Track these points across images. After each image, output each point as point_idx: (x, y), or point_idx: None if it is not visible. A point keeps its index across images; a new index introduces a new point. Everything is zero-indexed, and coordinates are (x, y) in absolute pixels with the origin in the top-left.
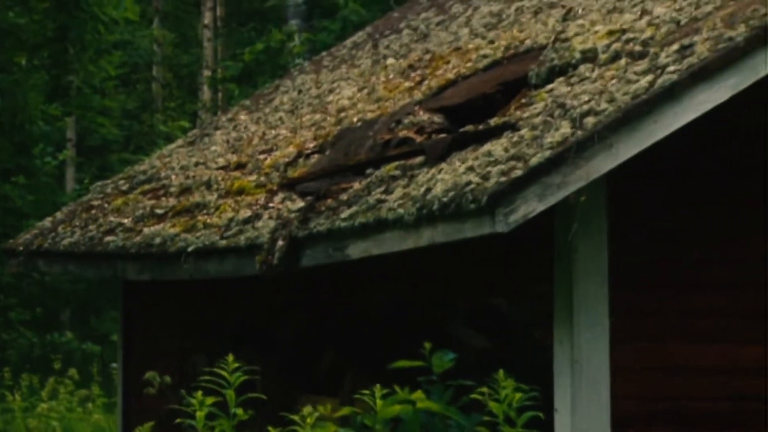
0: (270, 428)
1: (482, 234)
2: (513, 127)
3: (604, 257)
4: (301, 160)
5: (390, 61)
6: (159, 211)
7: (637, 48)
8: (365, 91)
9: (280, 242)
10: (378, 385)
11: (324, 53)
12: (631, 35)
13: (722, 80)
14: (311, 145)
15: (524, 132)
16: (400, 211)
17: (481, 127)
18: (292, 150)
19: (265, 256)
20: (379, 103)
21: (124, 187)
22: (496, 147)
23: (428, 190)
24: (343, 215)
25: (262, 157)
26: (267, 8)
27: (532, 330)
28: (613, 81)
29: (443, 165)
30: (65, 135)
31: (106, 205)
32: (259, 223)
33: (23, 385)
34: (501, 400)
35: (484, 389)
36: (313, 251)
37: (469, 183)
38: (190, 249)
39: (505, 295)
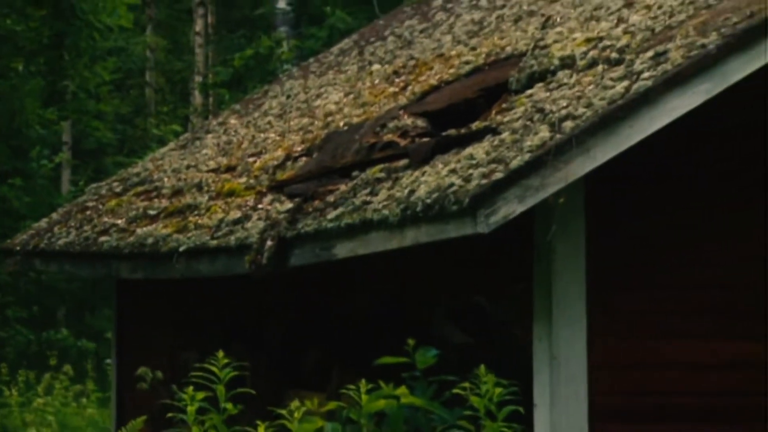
0: (259, 422)
1: (464, 234)
2: (494, 131)
3: (582, 257)
4: (289, 163)
5: (375, 67)
6: (152, 212)
7: (614, 55)
8: (351, 96)
9: (269, 242)
10: (363, 381)
11: (311, 59)
12: (607, 42)
13: (695, 86)
14: (299, 149)
15: (505, 136)
16: (385, 212)
17: (463, 131)
18: (280, 153)
19: (254, 255)
20: (364, 108)
21: (118, 189)
22: (478, 150)
23: (412, 191)
24: (330, 216)
25: (251, 160)
26: (256, 16)
27: (512, 327)
28: (591, 87)
29: (426, 168)
30: (61, 138)
31: (100, 207)
32: (249, 224)
33: (20, 381)
34: (482, 394)
35: (466, 384)
36: (301, 251)
37: (451, 185)
38: (181, 249)
39: (486, 294)
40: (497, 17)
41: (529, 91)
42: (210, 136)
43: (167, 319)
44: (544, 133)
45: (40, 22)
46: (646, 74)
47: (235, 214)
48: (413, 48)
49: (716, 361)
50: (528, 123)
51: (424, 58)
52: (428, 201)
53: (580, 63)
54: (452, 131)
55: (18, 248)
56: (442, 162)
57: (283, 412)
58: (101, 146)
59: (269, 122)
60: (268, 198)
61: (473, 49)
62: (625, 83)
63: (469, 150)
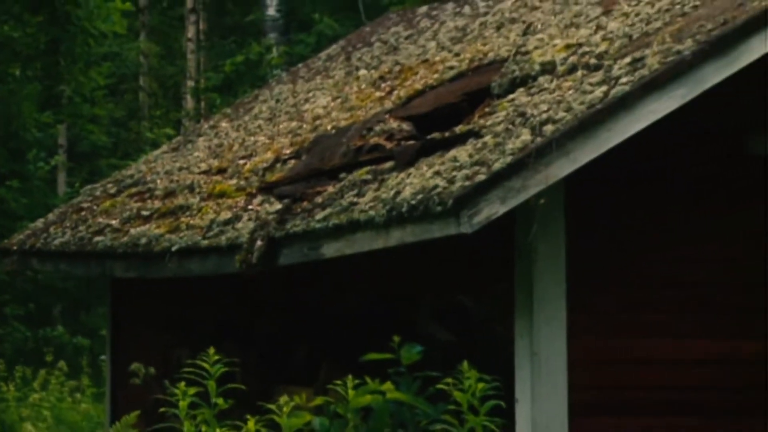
0: (249, 417)
1: (448, 234)
2: (477, 134)
3: (562, 257)
4: (278, 165)
5: (362, 72)
6: (145, 213)
7: (593, 61)
8: (339, 100)
9: (259, 242)
10: (350, 377)
11: (300, 65)
12: (586, 49)
13: (671, 91)
14: (288, 151)
15: (487, 139)
16: (371, 212)
17: (447, 134)
18: (270, 155)
19: (244, 255)
20: (351, 112)
21: (112, 191)
22: (461, 153)
23: (398, 193)
24: (318, 217)
25: (241, 162)
26: (247, 23)
27: (494, 325)
28: (571, 91)
29: (412, 170)
30: (57, 141)
31: (95, 207)
32: (239, 225)
33: (17, 377)
34: (465, 390)
35: (450, 380)
36: (289, 251)
37: (435, 187)
38: (174, 248)
39: (469, 293)
40: (480, 24)
41: (510, 96)
42: (201, 139)
43: (160, 316)
44: (526, 136)
45: (36, 28)
46: (624, 79)
47: (226, 215)
48: (399, 54)
49: (691, 357)
50: (510, 126)
51: (409, 64)
52: (413, 202)
53: (560, 68)
54: (436, 134)
55: (15, 248)
56: (427, 164)
57: (273, 406)
58: (96, 149)
59: (259, 126)
60: (258, 199)
61: (457, 55)
62: (604, 88)
63: (452, 153)
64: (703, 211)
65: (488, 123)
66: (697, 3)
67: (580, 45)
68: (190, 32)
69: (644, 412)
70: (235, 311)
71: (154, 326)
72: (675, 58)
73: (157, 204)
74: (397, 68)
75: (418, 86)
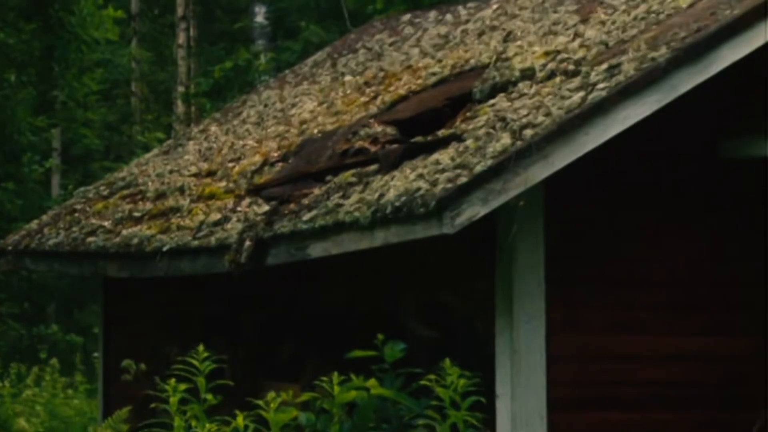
0: (237, 412)
1: (431, 235)
2: (459, 138)
3: (541, 256)
4: (266, 168)
5: (347, 78)
6: (136, 214)
7: (571, 67)
8: (325, 105)
9: (247, 243)
10: (335, 373)
11: (287, 71)
12: (565, 55)
13: (646, 97)
14: (276, 155)
15: (469, 143)
16: (357, 214)
17: (430, 138)
18: (258, 159)
19: (233, 255)
20: (337, 117)
21: (105, 193)
22: (444, 156)
23: (382, 195)
24: (305, 218)
25: (230, 165)
26: (235, 30)
27: (475, 322)
28: (549, 97)
29: (396, 172)
30: (51, 145)
31: (88, 209)
32: (228, 226)
33: (12, 374)
34: (447, 386)
35: (432, 376)
36: (277, 251)
37: (419, 189)
38: (165, 249)
39: (451, 291)
40: (462, 31)
41: (491, 101)
42: (192, 142)
43: (151, 315)
44: (506, 140)
45: (31, 35)
46: (601, 85)
47: (216, 216)
48: (383, 60)
49: (667, 353)
50: (491, 131)
51: (393, 70)
52: (397, 204)
53: (540, 75)
54: (420, 138)
55: (10, 248)
56: (411, 167)
57: (260, 402)
58: (89, 152)
59: (247, 129)
60: (247, 201)
61: (439, 61)
62: (582, 94)
63: (435, 156)
64: (676, 213)
65: (470, 127)
66: (672, 12)
67: (559, 52)
68: (181, 39)
69: (622, 407)
70: (224, 309)
71: (145, 324)
72: (650, 64)
73: (149, 205)
74: (382, 74)
75: (402, 92)
